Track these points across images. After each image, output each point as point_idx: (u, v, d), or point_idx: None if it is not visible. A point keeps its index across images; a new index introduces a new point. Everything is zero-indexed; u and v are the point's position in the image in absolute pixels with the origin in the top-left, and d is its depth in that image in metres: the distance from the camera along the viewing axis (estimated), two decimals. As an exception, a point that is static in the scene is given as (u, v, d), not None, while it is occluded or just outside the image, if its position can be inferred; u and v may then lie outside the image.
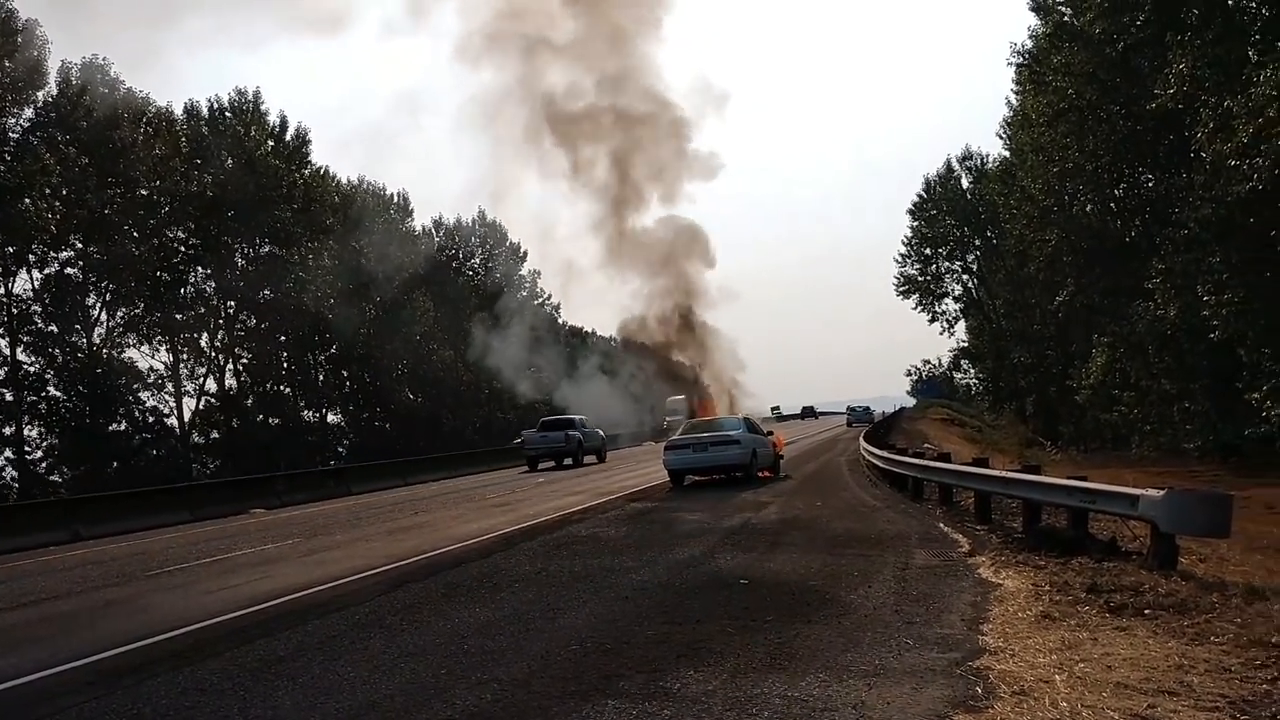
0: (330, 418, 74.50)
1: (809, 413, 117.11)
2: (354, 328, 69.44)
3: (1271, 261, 35.64)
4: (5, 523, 22.14)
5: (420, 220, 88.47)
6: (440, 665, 7.11)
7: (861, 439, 33.44)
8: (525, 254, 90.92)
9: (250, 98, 66.36)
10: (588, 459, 39.99)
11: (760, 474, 24.64)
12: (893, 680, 6.10)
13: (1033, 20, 54.86)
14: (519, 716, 5.81)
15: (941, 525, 14.36)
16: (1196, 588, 8.53)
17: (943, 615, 8.01)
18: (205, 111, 64.55)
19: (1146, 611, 7.81)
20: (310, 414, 72.29)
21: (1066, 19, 46.89)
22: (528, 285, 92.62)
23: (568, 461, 39.18)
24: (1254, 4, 35.37)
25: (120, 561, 16.10)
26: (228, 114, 65.15)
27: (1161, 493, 9.59)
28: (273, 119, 67.68)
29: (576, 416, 43.74)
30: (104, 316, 57.98)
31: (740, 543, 12.98)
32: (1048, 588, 8.92)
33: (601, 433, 44.37)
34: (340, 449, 72.45)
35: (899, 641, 7.13)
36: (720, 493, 21.00)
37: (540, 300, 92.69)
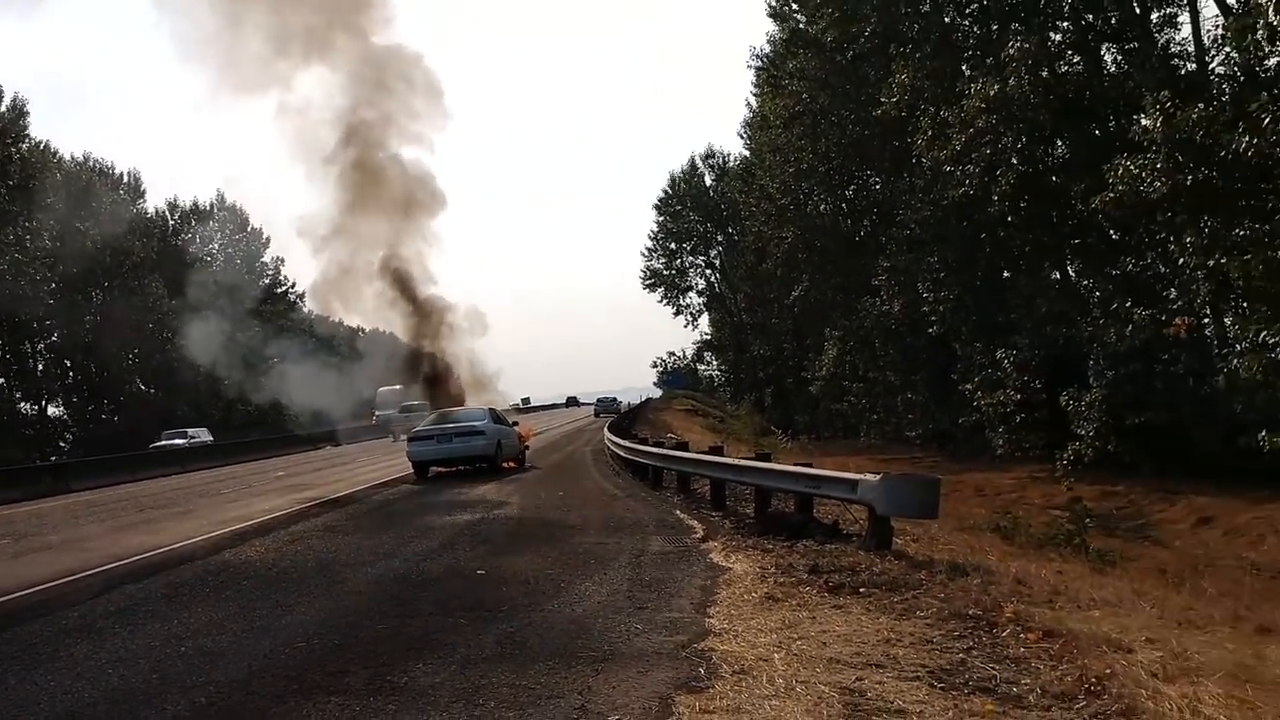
0: (51, 410, 69.57)
1: (572, 401, 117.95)
2: (78, 314, 64.87)
3: (980, 262, 38.49)
4: None
5: (154, 202, 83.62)
6: (153, 670, 6.72)
7: (606, 429, 33.90)
8: (269, 240, 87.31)
9: (-45, 63, 60.96)
10: None
11: (505, 465, 24.57)
12: (620, 665, 6.21)
13: (771, 26, 57.13)
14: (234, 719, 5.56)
15: (678, 512, 14.73)
16: (907, 566, 9.09)
17: (673, 600, 8.22)
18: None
19: (862, 590, 8.26)
20: (28, 406, 67.19)
21: (801, 26, 49.04)
22: (270, 273, 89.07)
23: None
24: (966, 22, 38.05)
25: None
26: (-70, 82, 59.56)
27: (878, 477, 10.18)
28: (-15, 87, 62.34)
29: None
30: None
31: (480, 534, 12.92)
32: (773, 570, 9.29)
33: None
34: (62, 444, 67.67)
35: (629, 627, 7.26)
36: (464, 484, 20.83)
37: (284, 289, 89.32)
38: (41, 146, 66.22)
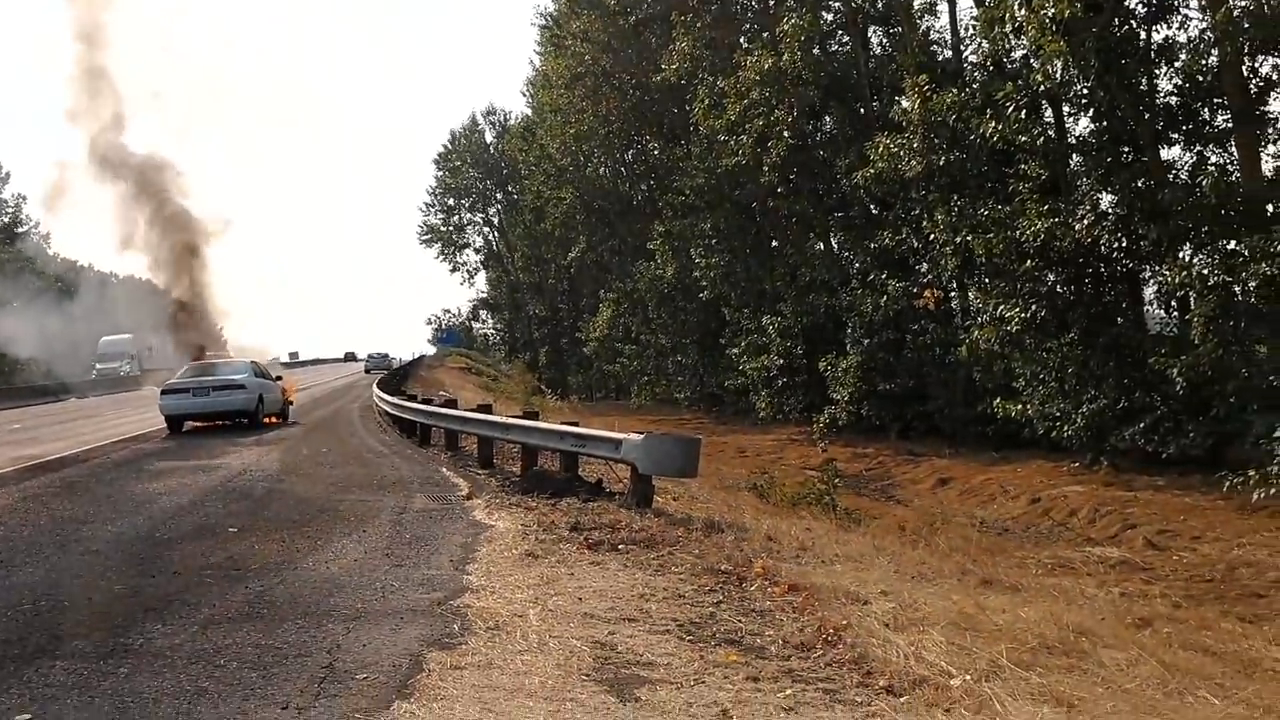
0: None
1: (351, 357, 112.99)
2: None
3: (750, 231, 39.67)
4: None
5: None
6: None
7: (375, 386, 33.24)
8: (8, 175, 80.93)
9: None
10: None
11: (267, 420, 23.73)
12: (373, 622, 6.12)
13: (557, -18, 56.67)
14: (-56, 688, 5.16)
15: (444, 470, 14.64)
16: (666, 524, 9.34)
17: (432, 557, 8.16)
18: None
19: (621, 547, 8.43)
20: None
21: (586, -14, 48.87)
22: (10, 211, 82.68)
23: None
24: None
25: None
26: None
27: (640, 437, 10.40)
28: None
29: None
30: None
31: (235, 491, 12.44)
32: (535, 528, 9.36)
33: None
34: None
35: (385, 584, 7.17)
36: (221, 439, 19.99)
37: (27, 228, 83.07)
38: None
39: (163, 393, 22.77)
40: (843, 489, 18.29)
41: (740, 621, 6.17)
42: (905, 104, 26.74)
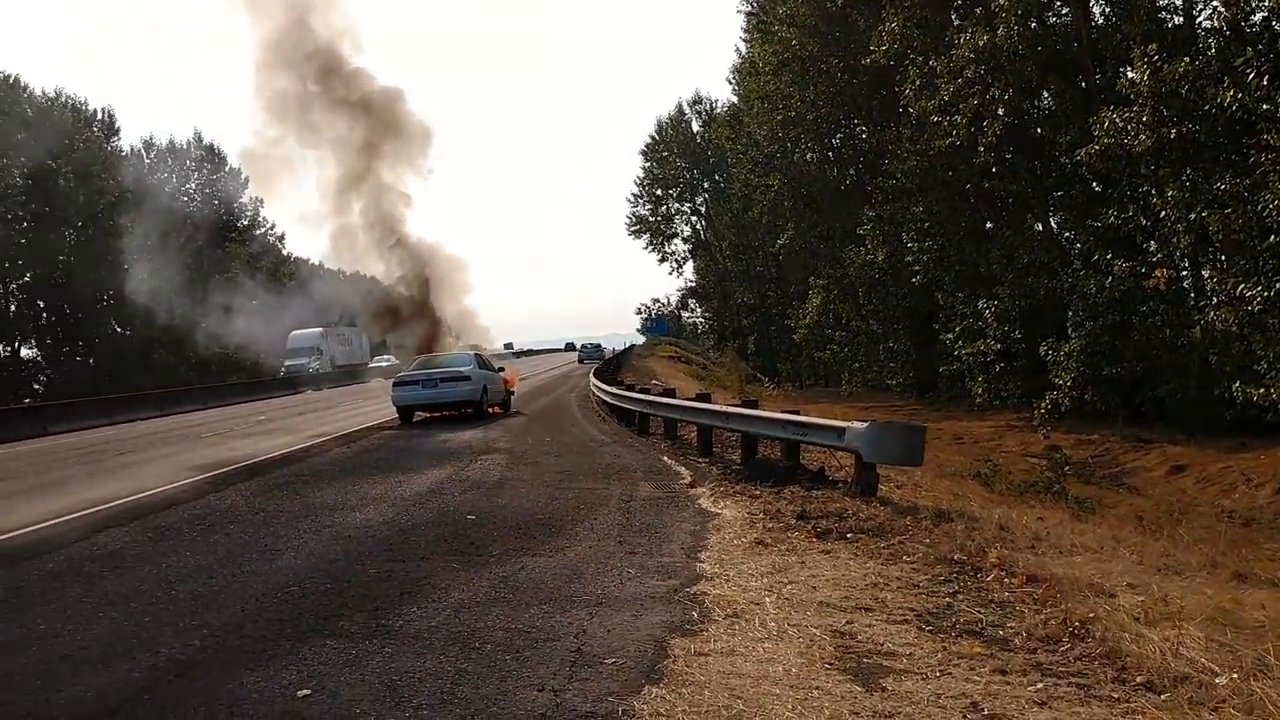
0: (25, 352, 69.10)
1: (571, 347, 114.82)
2: (51, 254, 64.20)
3: (964, 213, 38.55)
4: None
5: (129, 140, 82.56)
6: (145, 613, 6.76)
7: (592, 375, 33.99)
8: (248, 180, 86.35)
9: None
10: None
11: (491, 410, 24.65)
12: (614, 609, 6.33)
13: (763, -31, 56.34)
14: (231, 662, 5.62)
15: (665, 458, 14.87)
16: (893, 512, 9.25)
17: (664, 545, 8.34)
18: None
19: (849, 535, 8.41)
20: (2, 347, 66.68)
21: (791, -30, 48.44)
22: (249, 213, 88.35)
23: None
24: (957, -31, 37.75)
25: None
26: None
27: (865, 425, 10.31)
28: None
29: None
30: None
31: (468, 479, 13.00)
32: (761, 516, 9.44)
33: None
34: (36, 386, 67.17)
35: (621, 571, 7.38)
36: (450, 429, 20.91)
37: (263, 230, 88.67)
38: (10, 80, 65.17)
39: (394, 385, 23.99)
40: (1070, 477, 17.67)
41: (979, 612, 6.09)
42: (1133, 75, 25.44)
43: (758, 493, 10.81)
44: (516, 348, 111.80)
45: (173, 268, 66.76)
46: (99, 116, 76.57)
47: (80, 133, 71.47)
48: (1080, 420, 29.73)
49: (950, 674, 4.96)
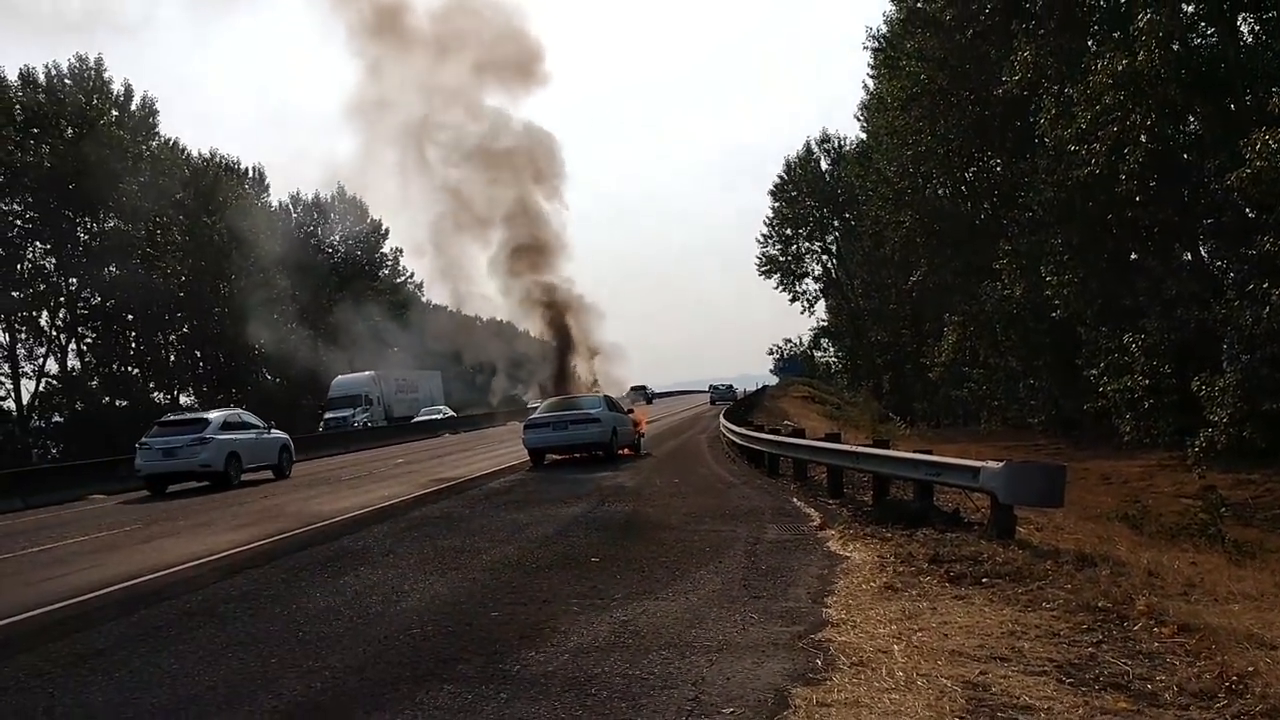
0: (183, 399, 72.03)
1: (640, 393, 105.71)
2: (208, 307, 67.17)
3: (1106, 244, 37.25)
4: None
5: (277, 196, 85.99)
6: (271, 654, 6.84)
7: (721, 416, 33.78)
8: (387, 231, 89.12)
9: (92, 65, 63.38)
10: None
11: (621, 452, 24.67)
12: (735, 655, 6.11)
13: (888, 5, 56.00)
14: (349, 705, 5.61)
15: (794, 500, 14.57)
16: (1031, 556, 8.81)
17: (789, 589, 8.09)
18: (42, 78, 61.38)
19: (984, 580, 8.03)
20: (160, 395, 69.74)
21: (919, 5, 47.95)
22: (389, 264, 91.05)
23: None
24: (1092, -4, 36.79)
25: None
26: (67, 81, 62.08)
27: (1000, 464, 9.90)
28: (117, 87, 64.92)
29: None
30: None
31: (595, 521, 12.94)
32: (892, 559, 9.10)
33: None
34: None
35: (744, 616, 7.16)
36: (579, 471, 20.96)
37: (403, 279, 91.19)
38: (170, 143, 68.59)
39: (526, 427, 24.25)
40: (1228, 519, 16.70)
41: (1126, 664, 5.69)
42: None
43: (889, 535, 10.47)
44: (649, 391, 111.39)
45: (317, 317, 69.13)
46: (250, 174, 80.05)
47: (233, 190, 74.81)
48: (1239, 459, 28.24)
49: (1094, 733, 4.62)
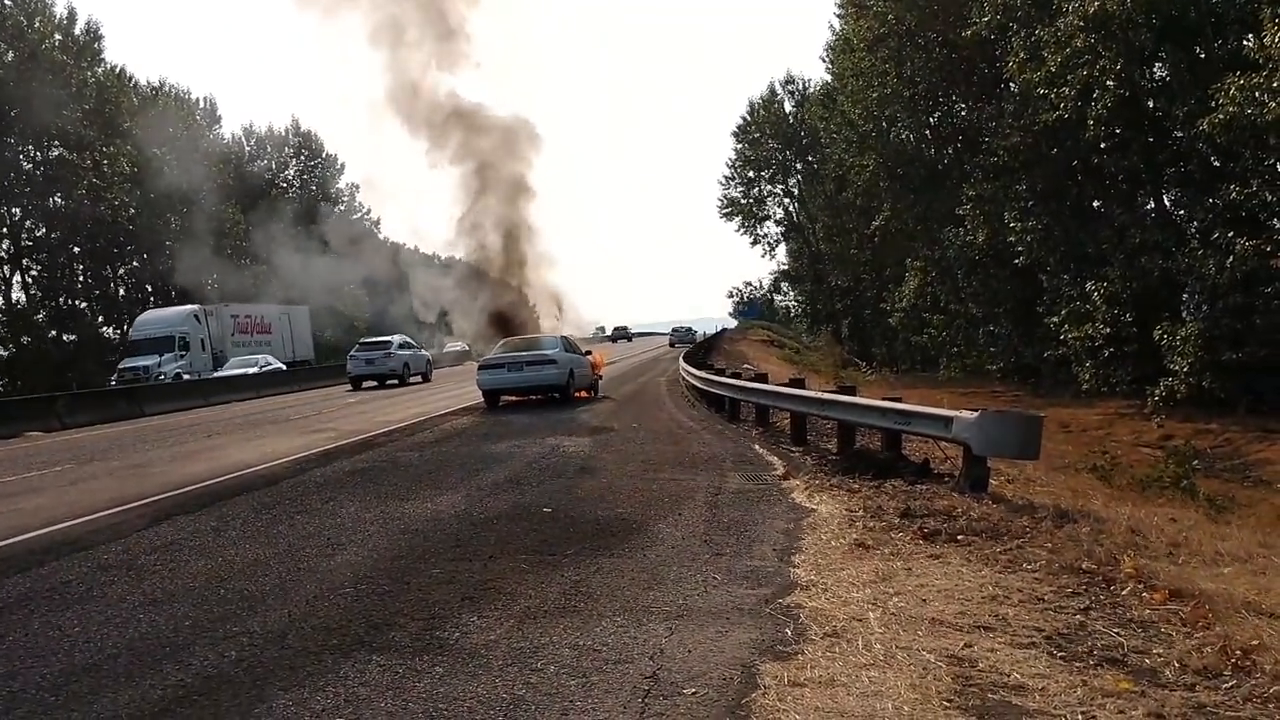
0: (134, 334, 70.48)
1: (621, 334, 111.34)
2: (157, 240, 65.50)
3: (1070, 191, 36.93)
4: None
5: (229, 128, 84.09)
6: (186, 615, 6.22)
7: (681, 359, 33.28)
8: (343, 166, 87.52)
9: (31, -14, 60.89)
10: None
11: (577, 394, 24.12)
12: (696, 623, 5.59)
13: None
14: (262, 679, 5.00)
15: (757, 447, 14.09)
16: (1007, 511, 8.38)
17: (754, 546, 7.58)
18: (-20, -2, 59.01)
19: (960, 537, 7.58)
20: (110, 330, 68.17)
21: (889, -57, 47.05)
22: (345, 199, 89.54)
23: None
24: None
25: None
26: (7, 2, 59.69)
27: (975, 414, 9.43)
28: (59, 10, 62.60)
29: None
30: None
31: (549, 468, 12.36)
32: (861, 513, 8.64)
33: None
34: (145, 368, 68.60)
35: (706, 577, 6.63)
36: (534, 414, 20.37)
37: (359, 215, 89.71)
38: (116, 71, 66.46)
39: (480, 367, 23.65)
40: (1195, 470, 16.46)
41: (1118, 635, 5.23)
42: (1266, 40, 23.76)
43: (856, 486, 10.01)
44: (630, 331, 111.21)
45: (271, 252, 67.61)
46: (201, 106, 78.00)
47: (184, 120, 72.86)
48: (1196, 408, 28.19)
49: (1096, 718, 4.14)
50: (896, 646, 5.05)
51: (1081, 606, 5.78)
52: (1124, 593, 6.02)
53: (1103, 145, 33.61)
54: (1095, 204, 37.18)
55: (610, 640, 5.33)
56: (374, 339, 40.27)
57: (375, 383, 36.91)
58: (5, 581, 7.43)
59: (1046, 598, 5.98)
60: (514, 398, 23.60)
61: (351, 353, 38.61)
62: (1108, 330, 33.08)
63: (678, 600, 6.08)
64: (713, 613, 5.80)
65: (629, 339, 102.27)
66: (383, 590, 6.61)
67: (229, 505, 10.42)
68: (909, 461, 11.18)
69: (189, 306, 48.95)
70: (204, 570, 7.46)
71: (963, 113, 48.41)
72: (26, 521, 9.98)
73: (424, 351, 40.33)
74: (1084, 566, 6.62)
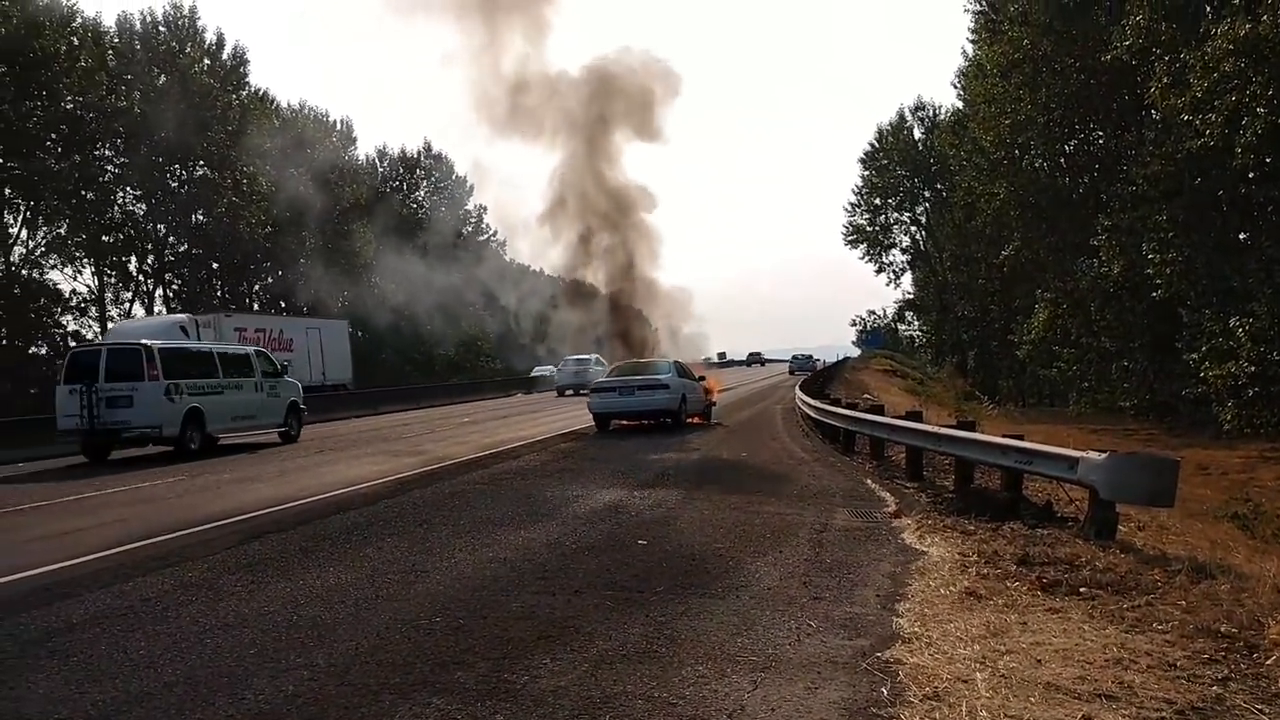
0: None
1: (755, 359, 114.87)
2: (291, 257, 67.36)
3: (1215, 222, 35.26)
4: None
5: (364, 149, 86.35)
6: (253, 642, 5.99)
7: (797, 388, 32.66)
8: (472, 188, 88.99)
9: (186, 13, 63.52)
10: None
11: (690, 420, 23.77)
12: (785, 676, 5.13)
13: (992, -33, 53.80)
14: (315, 718, 4.72)
15: (869, 482, 13.52)
16: (1137, 562, 7.71)
17: (856, 590, 7.08)
18: (138, 25, 61.73)
19: (1082, 590, 6.96)
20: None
21: (1026, -34, 45.90)
22: (473, 220, 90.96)
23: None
24: (1214, -46, 34.65)
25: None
26: (161, 29, 62.32)
27: (1103, 456, 8.76)
28: (210, 36, 65.06)
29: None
30: (24, 235, 55.38)
31: (650, 497, 11.99)
32: (975, 558, 8.06)
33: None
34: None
35: (801, 623, 6.17)
36: (643, 440, 20.07)
37: (486, 236, 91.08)
38: (260, 94, 68.70)
39: (592, 391, 23.49)
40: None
41: (1261, 713, 4.62)
42: None
43: (972, 528, 9.40)
44: (763, 356, 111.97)
45: (402, 271, 68.96)
46: (338, 127, 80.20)
47: (322, 142, 75.02)
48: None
49: (1236, 818, 3.58)
50: (1005, 715, 4.53)
51: (1219, 676, 5.16)
52: (1269, 662, 5.37)
53: (1251, 174, 31.94)
54: (1241, 236, 35.41)
55: (688, 693, 4.91)
56: (580, 356, 46.24)
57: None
58: (88, 596, 7.34)
59: (1179, 664, 5.36)
60: (625, 422, 23.39)
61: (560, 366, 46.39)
62: (1252, 369, 31.33)
63: (767, 649, 5.64)
64: (803, 665, 5.34)
65: (762, 364, 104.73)
66: (458, 624, 6.30)
67: (323, 524, 10.31)
68: (1030, 503, 10.52)
69: (177, 316, 40.53)
70: (282, 594, 7.27)
71: (1100, 140, 46.84)
72: (126, 533, 10.03)
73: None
74: (1223, 629, 5.95)
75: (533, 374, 60.23)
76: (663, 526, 9.90)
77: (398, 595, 7.12)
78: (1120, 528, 9.13)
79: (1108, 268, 40.57)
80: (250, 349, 24.94)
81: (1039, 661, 5.37)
